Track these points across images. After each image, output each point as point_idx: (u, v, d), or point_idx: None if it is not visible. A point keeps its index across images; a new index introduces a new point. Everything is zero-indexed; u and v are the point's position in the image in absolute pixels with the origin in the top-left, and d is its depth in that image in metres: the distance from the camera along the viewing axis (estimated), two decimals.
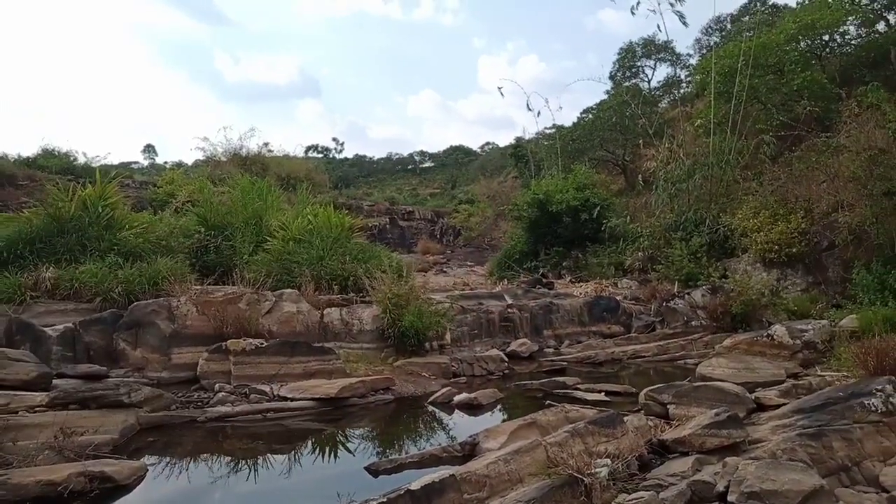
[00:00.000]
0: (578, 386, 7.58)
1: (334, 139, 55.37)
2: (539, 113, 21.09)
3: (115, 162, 27.33)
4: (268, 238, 11.35)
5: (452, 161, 50.83)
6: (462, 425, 6.40)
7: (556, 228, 16.23)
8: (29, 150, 23.04)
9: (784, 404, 5.89)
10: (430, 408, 7.03)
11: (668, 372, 8.68)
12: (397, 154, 56.13)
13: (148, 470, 4.79)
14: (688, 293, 11.34)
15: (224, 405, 6.37)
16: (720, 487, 4.19)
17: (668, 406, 5.99)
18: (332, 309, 8.98)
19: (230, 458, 5.52)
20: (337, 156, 53.25)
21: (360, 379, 7.09)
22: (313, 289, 9.34)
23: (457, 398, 7.04)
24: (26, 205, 10.61)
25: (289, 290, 8.98)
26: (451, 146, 54.54)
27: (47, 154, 22.53)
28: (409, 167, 53.57)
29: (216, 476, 5.14)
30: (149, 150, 43.02)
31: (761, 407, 6.12)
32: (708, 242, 13.02)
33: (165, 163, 33.98)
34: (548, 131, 23.79)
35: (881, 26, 17.34)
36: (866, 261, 10.18)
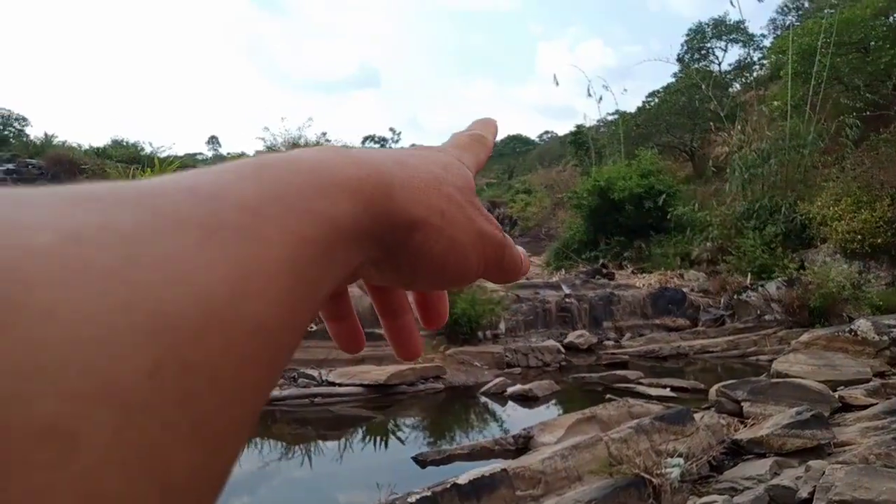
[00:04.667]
0: (641, 380, 7.14)
1: (391, 129, 55.39)
2: (601, 99, 20.37)
3: (181, 153, 28.12)
4: None
5: (510, 150, 50.09)
6: (515, 417, 6.14)
7: (618, 217, 15.57)
8: (101, 141, 24.02)
9: (873, 404, 5.34)
10: (482, 398, 6.77)
11: (739, 368, 8.10)
12: None
13: None
14: (761, 285, 10.61)
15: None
16: (803, 493, 3.74)
17: (742, 403, 5.50)
18: None
19: (278, 442, 5.44)
20: (393, 146, 53.50)
21: (410, 366, 6.87)
22: None
23: (510, 389, 6.75)
24: None
25: None
26: (509, 135, 53.70)
27: (116, 144, 23.42)
28: None
29: (265, 460, 5.05)
30: (213, 141, 44.37)
31: (846, 407, 5.57)
32: (783, 232, 12.17)
33: (228, 153, 34.87)
34: (610, 118, 22.95)
35: None
36: None
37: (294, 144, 24.45)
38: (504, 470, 3.59)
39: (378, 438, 5.79)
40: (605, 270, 13.19)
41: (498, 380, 7.01)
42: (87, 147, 22.27)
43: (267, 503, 4.53)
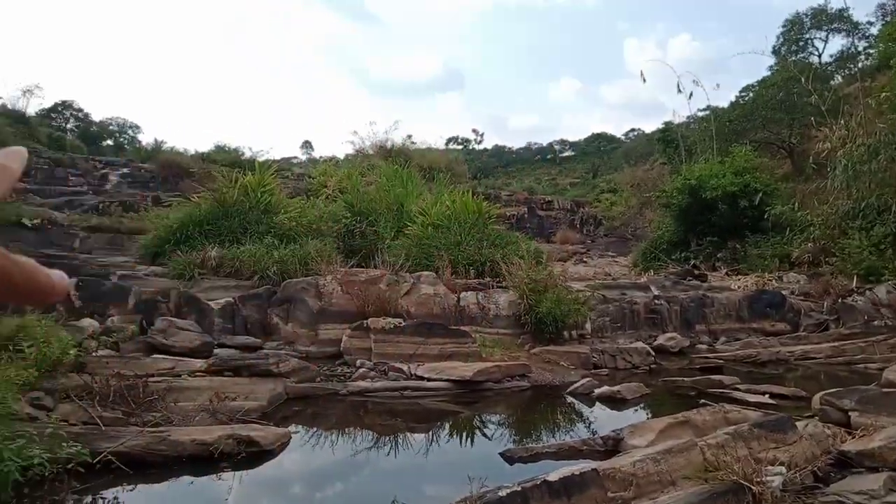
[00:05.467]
0: (737, 386, 6.85)
1: (474, 130, 55.99)
2: (691, 95, 19.38)
3: (278, 157, 29.57)
4: (408, 223, 11.56)
5: (594, 149, 49.24)
6: (603, 419, 6.03)
7: (710, 217, 14.95)
8: (205, 147, 25.59)
9: None
10: (569, 398, 6.71)
11: (845, 376, 7.60)
12: (536, 143, 55.55)
13: (292, 437, 4.96)
14: (869, 289, 9.91)
15: (364, 380, 6.50)
16: None
17: (849, 413, 5.17)
18: (469, 293, 8.90)
19: (369, 432, 5.62)
20: (476, 147, 53.65)
21: (496, 364, 6.92)
22: (450, 272, 9.33)
23: (598, 390, 6.65)
24: (199, 192, 11.68)
25: (426, 273, 9.04)
26: (593, 134, 52.96)
27: (219, 149, 24.91)
28: (549, 156, 52.62)
29: (356, 449, 5.24)
30: (306, 145, 46.18)
31: None
32: (893, 232, 11.29)
33: (320, 157, 36.14)
34: (700, 114, 22.03)
35: None
36: None
37: (381, 147, 25.06)
38: (594, 470, 3.56)
39: (464, 433, 5.87)
40: (697, 272, 12.72)
41: (585, 380, 6.93)
42: (192, 152, 23.77)
43: (357, 491, 4.70)
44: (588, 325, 8.72)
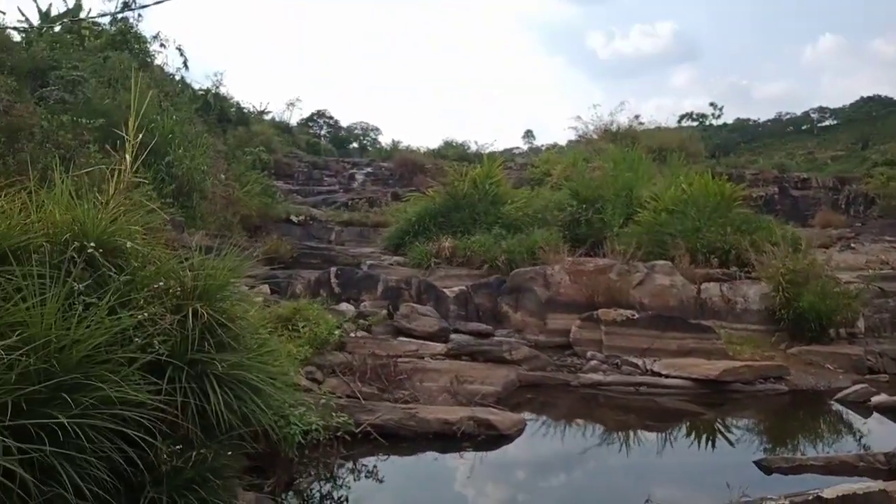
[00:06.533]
0: None
1: (712, 104, 50.82)
2: None
3: (501, 148, 30.19)
4: (638, 209, 11.05)
5: (863, 115, 41.96)
6: (880, 433, 5.26)
7: None
8: (435, 143, 27.29)
9: None
10: (836, 406, 5.90)
11: None
12: (788, 114, 48.87)
13: (526, 424, 5.08)
14: None
15: (596, 373, 6.39)
16: None
17: None
18: (711, 284, 8.22)
19: (602, 426, 5.54)
20: (714, 122, 48.95)
21: (746, 363, 6.32)
22: (688, 261, 8.70)
23: (875, 399, 5.75)
24: (431, 186, 12.53)
25: (661, 262, 8.53)
26: (862, 98, 45.06)
27: (447, 145, 26.41)
28: (804, 127, 46.07)
29: (588, 443, 5.19)
30: (528, 135, 46.49)
31: None
32: None
33: (542, 145, 36.30)
34: None
35: None
36: None
37: (606, 131, 24.34)
38: (883, 491, 3.06)
39: (708, 436, 5.48)
40: None
41: (857, 387, 6.01)
42: (424, 149, 25.52)
43: (597, 486, 4.63)
44: (860, 323, 7.52)
